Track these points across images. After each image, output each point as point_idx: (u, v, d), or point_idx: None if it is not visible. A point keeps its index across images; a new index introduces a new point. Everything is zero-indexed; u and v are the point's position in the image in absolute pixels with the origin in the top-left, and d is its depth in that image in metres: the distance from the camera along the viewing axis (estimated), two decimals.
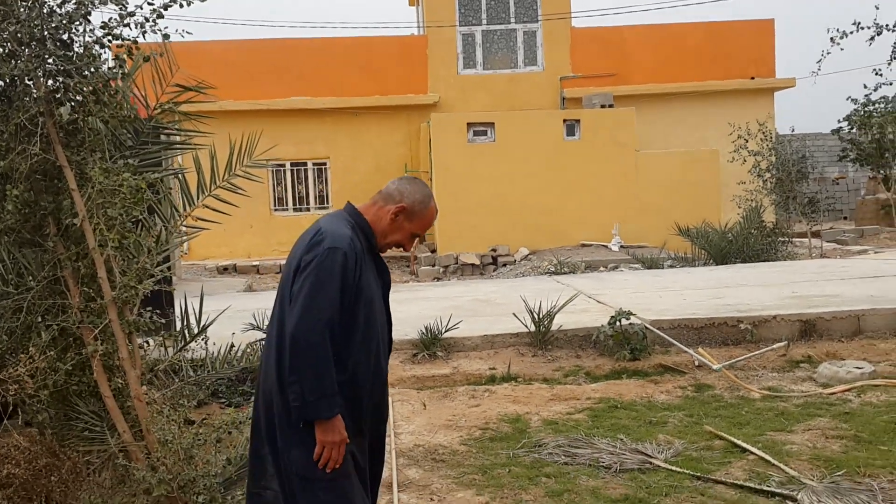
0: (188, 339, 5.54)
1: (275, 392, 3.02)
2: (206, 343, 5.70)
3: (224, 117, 19.23)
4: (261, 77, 20.96)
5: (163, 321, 4.58)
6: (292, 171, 21.52)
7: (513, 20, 21.52)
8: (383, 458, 3.41)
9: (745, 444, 5.29)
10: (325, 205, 21.57)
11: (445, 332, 8.09)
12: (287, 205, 21.58)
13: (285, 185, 21.55)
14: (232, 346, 6.78)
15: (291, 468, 2.99)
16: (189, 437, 4.15)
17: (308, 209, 21.60)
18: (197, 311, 5.55)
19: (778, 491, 4.53)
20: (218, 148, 5.46)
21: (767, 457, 5.04)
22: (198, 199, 5.45)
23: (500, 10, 21.50)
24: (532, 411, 6.31)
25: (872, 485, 4.54)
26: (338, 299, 2.88)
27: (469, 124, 18.75)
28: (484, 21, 21.46)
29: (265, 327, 7.43)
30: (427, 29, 21.50)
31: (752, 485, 4.64)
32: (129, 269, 4.27)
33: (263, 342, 3.16)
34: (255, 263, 19.01)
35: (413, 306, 10.57)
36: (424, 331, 8.05)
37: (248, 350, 6.51)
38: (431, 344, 7.99)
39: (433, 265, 18.20)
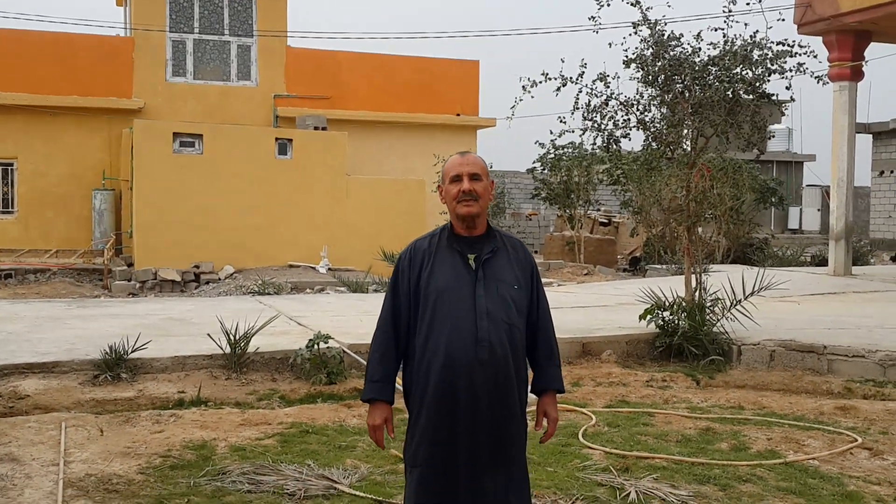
0: None
1: None
2: None
3: None
4: None
5: None
6: None
7: (227, 32, 20.94)
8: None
9: None
10: (10, 209, 19.54)
11: (132, 352, 7.57)
12: None
13: None
14: None
15: None
16: None
17: None
18: None
19: None
20: None
21: None
22: None
23: (214, 20, 20.82)
24: (220, 437, 6.04)
25: None
26: (390, 297, 3.33)
27: (175, 134, 17.97)
28: (196, 30, 20.66)
29: None
30: (134, 32, 20.32)
31: None
32: None
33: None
34: None
35: (98, 323, 9.81)
36: (108, 350, 7.48)
37: None
38: (115, 365, 7.44)
39: (129, 280, 17.10)
